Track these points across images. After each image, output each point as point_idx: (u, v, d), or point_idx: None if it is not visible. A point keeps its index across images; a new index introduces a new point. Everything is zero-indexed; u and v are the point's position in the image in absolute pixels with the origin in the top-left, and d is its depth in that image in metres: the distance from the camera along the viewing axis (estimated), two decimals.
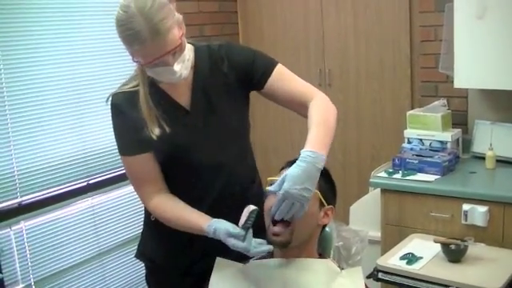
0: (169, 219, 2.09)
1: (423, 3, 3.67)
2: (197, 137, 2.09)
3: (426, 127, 3.45)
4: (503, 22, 3.09)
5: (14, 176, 3.16)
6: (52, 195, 3.36)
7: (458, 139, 3.48)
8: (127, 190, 3.78)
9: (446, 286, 2.54)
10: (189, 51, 2.01)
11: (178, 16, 1.94)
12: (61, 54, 3.35)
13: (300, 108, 2.13)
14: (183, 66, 1.98)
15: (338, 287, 1.97)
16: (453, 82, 3.32)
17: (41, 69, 3.25)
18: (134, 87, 2.04)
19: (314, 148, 1.88)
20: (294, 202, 1.82)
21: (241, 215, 1.94)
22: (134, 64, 2.00)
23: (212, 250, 2.08)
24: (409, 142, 3.49)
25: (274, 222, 1.92)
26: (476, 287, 2.47)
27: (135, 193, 2.17)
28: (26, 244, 3.24)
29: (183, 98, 2.09)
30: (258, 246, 1.92)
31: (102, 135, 3.60)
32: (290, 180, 1.81)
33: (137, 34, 1.85)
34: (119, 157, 2.14)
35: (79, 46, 3.46)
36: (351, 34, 4.03)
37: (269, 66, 2.15)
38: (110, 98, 2.09)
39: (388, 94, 3.90)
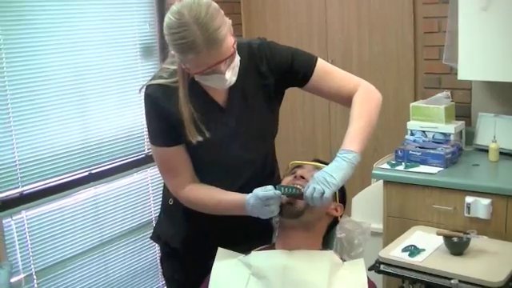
0: (205, 204, 2.11)
1: None
2: (228, 135, 2.10)
3: (429, 119, 3.44)
4: (508, 13, 3.07)
5: (16, 165, 3.16)
6: (54, 185, 3.36)
7: (461, 131, 3.47)
8: (129, 180, 3.80)
9: (448, 278, 2.53)
10: (237, 57, 1.99)
11: (229, 22, 1.92)
12: (64, 42, 3.35)
13: (344, 101, 2.20)
14: (233, 73, 1.96)
15: (340, 279, 1.98)
16: (456, 73, 3.31)
17: (43, 58, 3.24)
18: (173, 83, 2.02)
19: (351, 146, 2.01)
20: (316, 187, 1.90)
21: None
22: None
23: (227, 237, 2.15)
24: (412, 134, 3.48)
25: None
26: (478, 280, 2.47)
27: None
28: (27, 234, 3.24)
29: (220, 96, 2.10)
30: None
31: (104, 125, 3.60)
32: (324, 170, 1.96)
33: (192, 43, 1.82)
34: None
35: (82, 35, 3.45)
36: (354, 24, 4.01)
37: (309, 65, 2.16)
38: (145, 88, 2.09)
39: (391, 85, 3.88)
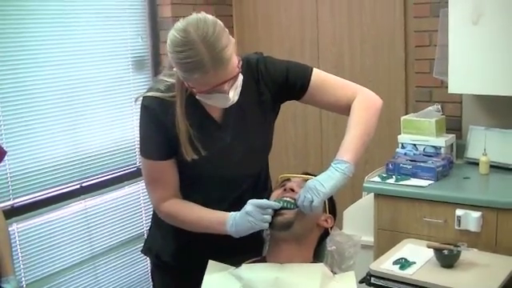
0: (185, 217, 2.10)
1: (418, 8, 3.67)
2: (223, 151, 2.09)
3: (420, 132, 3.45)
4: (498, 27, 3.09)
5: (7, 178, 3.15)
6: (45, 197, 3.37)
7: (451, 144, 3.48)
8: (120, 193, 3.79)
9: None
10: (240, 76, 1.96)
11: (233, 41, 1.89)
12: (55, 55, 3.35)
13: (343, 110, 2.18)
14: (235, 92, 1.94)
15: None
16: (447, 87, 3.32)
17: (35, 70, 3.25)
18: (170, 97, 2.00)
19: (345, 156, 2.01)
20: (306, 195, 1.92)
21: None
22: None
23: (218, 249, 2.12)
24: (403, 147, 3.49)
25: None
26: None
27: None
28: (18, 246, 3.22)
29: (217, 111, 2.08)
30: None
31: (95, 138, 3.60)
32: (316, 179, 1.97)
33: (198, 63, 1.79)
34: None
35: (74, 48, 3.46)
36: (346, 38, 4.03)
37: (305, 76, 2.14)
38: (142, 99, 2.07)
39: (382, 98, 3.80)
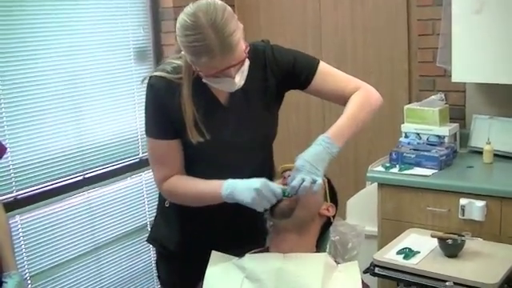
0: (183, 193, 2.11)
1: None
2: (228, 135, 2.11)
3: (424, 121, 3.44)
4: (501, 16, 3.08)
5: (10, 170, 3.15)
6: (48, 189, 3.36)
7: (455, 133, 3.47)
8: (123, 184, 3.79)
9: (442, 280, 2.53)
10: (247, 61, 1.99)
11: (242, 27, 1.94)
12: (58, 46, 3.35)
13: (344, 103, 2.19)
14: (242, 77, 1.98)
15: (334, 281, 1.97)
16: (450, 76, 3.31)
17: (37, 62, 3.24)
18: (177, 79, 2.03)
19: (332, 136, 2.03)
20: (305, 177, 1.92)
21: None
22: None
23: (222, 240, 2.15)
24: (406, 137, 3.48)
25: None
26: (473, 282, 2.47)
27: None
28: (21, 238, 3.23)
29: (222, 94, 2.10)
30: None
31: (98, 129, 3.60)
32: (302, 157, 1.98)
33: (207, 47, 1.83)
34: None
35: (76, 39, 3.45)
36: (348, 27, 4.01)
37: (311, 68, 2.18)
38: (149, 78, 2.08)
39: (385, 88, 3.86)
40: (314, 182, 1.93)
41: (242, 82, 1.99)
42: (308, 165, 1.96)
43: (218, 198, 2.01)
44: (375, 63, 3.93)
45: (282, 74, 2.16)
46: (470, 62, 3.21)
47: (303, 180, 1.93)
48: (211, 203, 2.06)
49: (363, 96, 2.18)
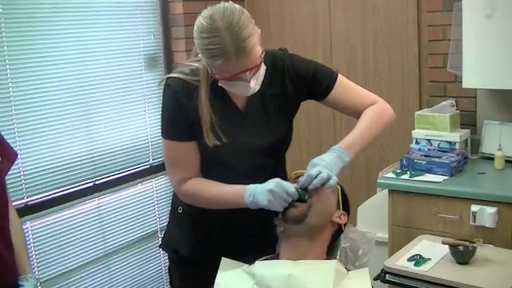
0: (202, 196, 2.12)
1: (431, 2, 3.64)
2: (244, 139, 2.12)
3: (435, 127, 3.43)
4: (511, 21, 3.06)
5: (21, 176, 3.16)
6: (58, 196, 3.37)
7: (466, 140, 3.45)
8: (134, 191, 3.79)
9: (454, 287, 2.52)
10: (263, 66, 2.01)
11: (259, 31, 1.96)
12: (68, 53, 3.36)
13: (358, 116, 2.24)
14: (257, 82, 1.99)
15: None
16: (461, 82, 3.30)
17: (48, 68, 3.26)
18: (194, 81, 2.04)
19: (345, 146, 2.08)
20: (322, 170, 1.96)
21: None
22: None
23: (235, 246, 2.16)
24: (417, 143, 3.47)
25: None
26: None
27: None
28: (32, 244, 3.24)
29: (240, 98, 2.11)
30: None
31: (109, 135, 3.61)
32: (318, 157, 2.04)
33: (222, 50, 1.85)
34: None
35: (87, 46, 3.46)
36: (359, 33, 4.01)
37: (330, 80, 2.21)
38: (166, 79, 2.10)
39: (396, 94, 3.88)
40: (329, 177, 1.95)
41: (258, 87, 2.00)
42: (324, 162, 2.00)
43: (241, 204, 2.03)
44: (386, 69, 3.92)
45: (301, 81, 2.17)
46: (480, 68, 3.20)
47: (320, 172, 1.95)
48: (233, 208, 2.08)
49: (377, 112, 2.21)
